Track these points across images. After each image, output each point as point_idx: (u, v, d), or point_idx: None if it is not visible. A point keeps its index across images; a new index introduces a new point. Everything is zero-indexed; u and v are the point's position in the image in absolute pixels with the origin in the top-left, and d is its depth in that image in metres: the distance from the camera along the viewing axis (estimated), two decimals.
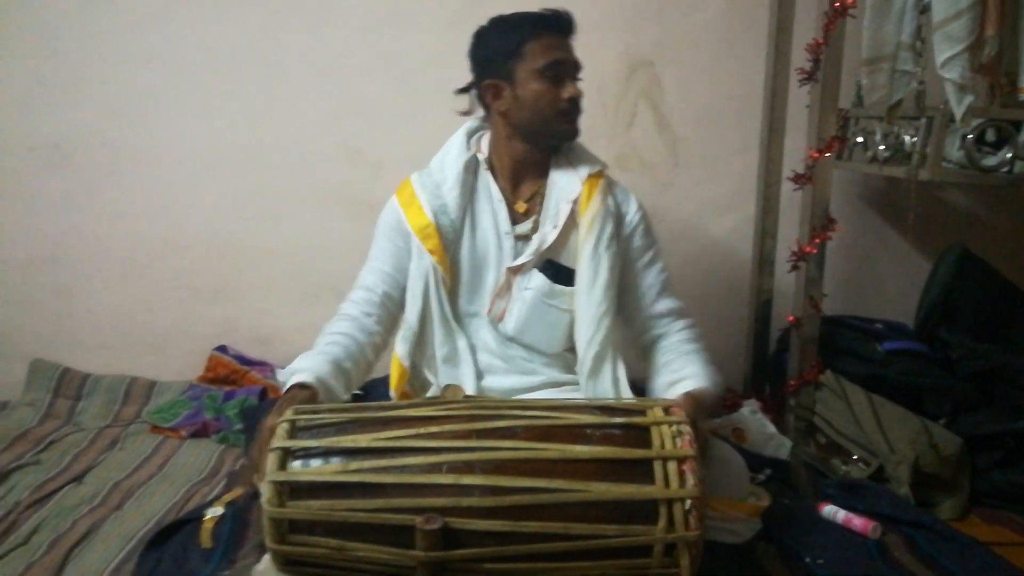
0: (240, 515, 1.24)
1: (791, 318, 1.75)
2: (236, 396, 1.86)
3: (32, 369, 1.98)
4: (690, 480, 0.97)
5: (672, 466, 0.98)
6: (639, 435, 1.02)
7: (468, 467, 0.97)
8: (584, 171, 1.38)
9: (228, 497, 1.32)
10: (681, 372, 1.29)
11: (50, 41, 1.94)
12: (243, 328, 2.09)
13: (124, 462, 1.64)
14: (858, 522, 1.29)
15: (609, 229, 1.35)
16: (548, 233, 1.36)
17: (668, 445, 1.00)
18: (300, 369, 1.22)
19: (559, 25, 1.33)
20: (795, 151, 1.86)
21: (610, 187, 1.40)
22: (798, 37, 1.83)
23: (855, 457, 1.60)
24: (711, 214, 2.16)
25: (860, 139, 1.86)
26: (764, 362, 2.05)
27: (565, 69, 1.33)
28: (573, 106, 1.34)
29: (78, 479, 1.55)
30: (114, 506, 1.43)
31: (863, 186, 2.18)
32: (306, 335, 2.06)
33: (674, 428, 1.02)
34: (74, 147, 1.98)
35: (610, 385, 1.34)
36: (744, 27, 2.03)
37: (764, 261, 2.02)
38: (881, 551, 1.21)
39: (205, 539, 1.18)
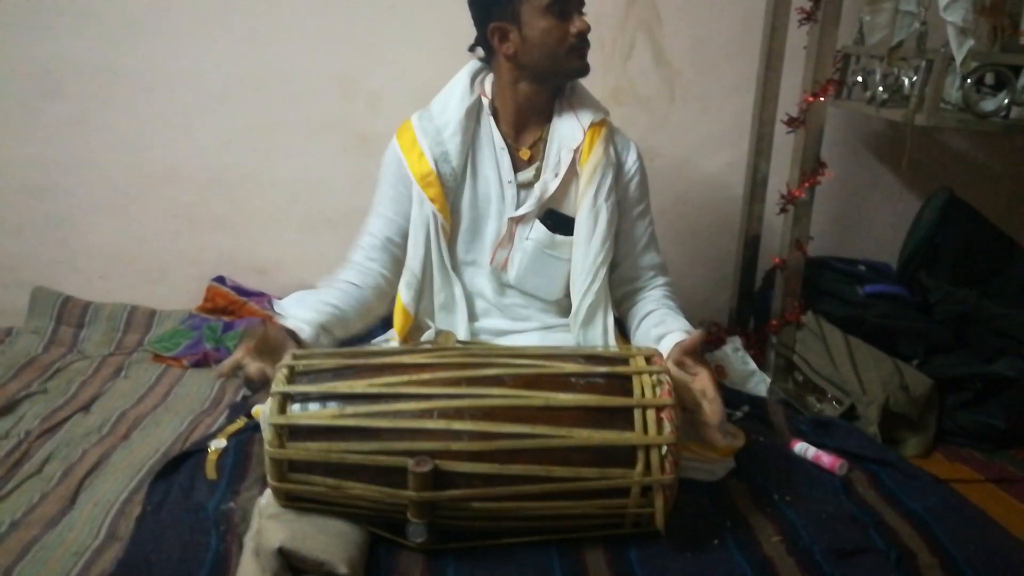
0: (243, 448, 1.29)
1: (777, 260, 1.79)
2: (235, 327, 1.90)
3: (34, 297, 2.01)
4: (667, 428, 1.03)
5: (651, 414, 1.03)
6: (621, 384, 1.07)
7: (458, 413, 1.03)
8: (587, 119, 1.36)
9: (231, 429, 1.37)
10: (670, 325, 1.32)
11: None
12: (241, 259, 2.11)
13: (129, 391, 1.69)
14: (827, 459, 1.35)
15: (609, 180, 1.35)
16: (550, 183, 1.35)
17: (648, 394, 1.05)
18: (289, 314, 1.29)
19: None
20: (792, 90, 1.84)
21: (612, 135, 1.39)
22: None
23: (829, 396, 1.67)
24: (705, 151, 2.15)
25: (859, 79, 1.84)
26: (750, 298, 2.10)
27: (571, 3, 1.29)
28: (582, 41, 1.30)
29: (85, 408, 1.61)
30: (122, 435, 1.49)
31: (861, 124, 2.17)
32: (303, 266, 2.13)
33: (654, 377, 1.07)
34: (68, 74, 1.94)
35: (600, 333, 1.37)
36: None
37: (755, 199, 2.03)
38: (846, 488, 1.28)
39: (210, 471, 1.23)
